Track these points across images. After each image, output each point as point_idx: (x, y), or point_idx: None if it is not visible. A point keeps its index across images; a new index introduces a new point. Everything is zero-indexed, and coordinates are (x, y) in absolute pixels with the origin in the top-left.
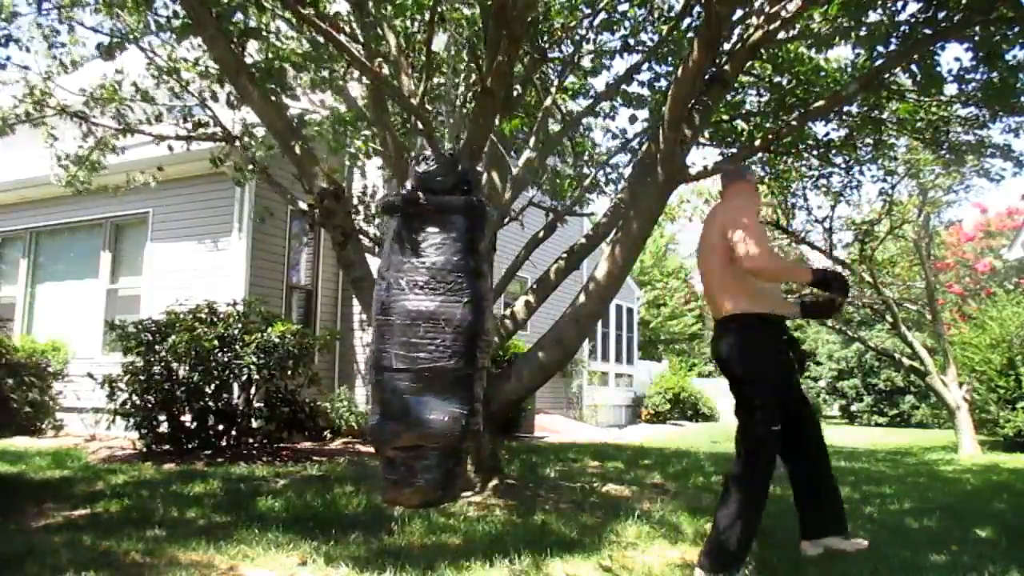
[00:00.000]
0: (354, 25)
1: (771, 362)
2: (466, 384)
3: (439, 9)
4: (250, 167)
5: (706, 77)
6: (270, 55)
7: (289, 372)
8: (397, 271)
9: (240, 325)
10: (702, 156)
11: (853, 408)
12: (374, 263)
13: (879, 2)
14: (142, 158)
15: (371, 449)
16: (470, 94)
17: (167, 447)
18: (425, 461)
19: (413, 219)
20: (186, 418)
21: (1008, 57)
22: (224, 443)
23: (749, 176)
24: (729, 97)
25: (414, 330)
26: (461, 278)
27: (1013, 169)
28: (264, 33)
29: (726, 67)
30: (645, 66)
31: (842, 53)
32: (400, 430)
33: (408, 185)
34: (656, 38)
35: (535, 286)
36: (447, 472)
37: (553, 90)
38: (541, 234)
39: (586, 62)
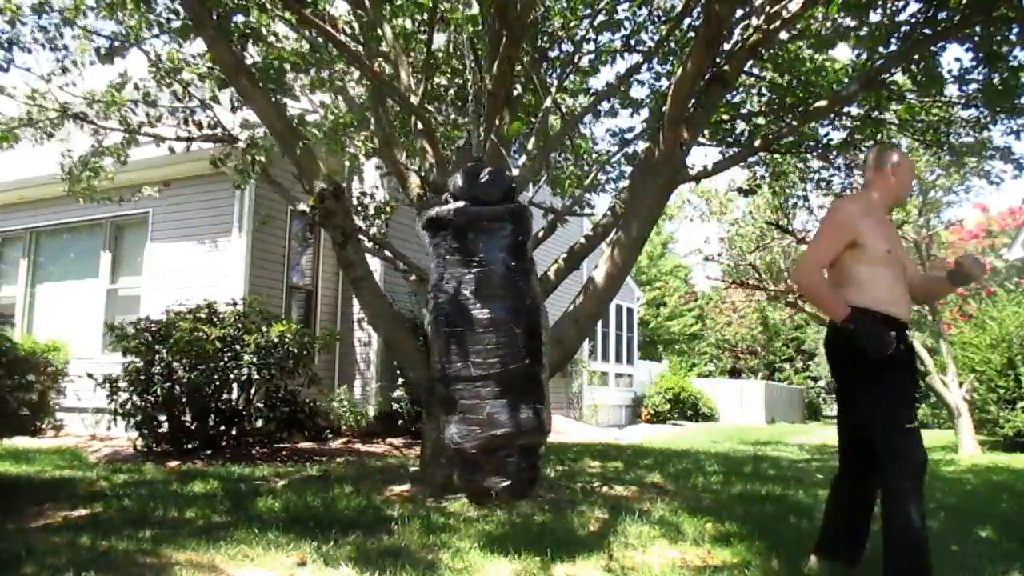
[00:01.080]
0: (354, 24)
1: None
2: (540, 381)
3: (439, 8)
4: (251, 168)
5: (706, 77)
6: (270, 56)
7: (289, 372)
8: (459, 282)
9: (240, 325)
10: (703, 154)
11: None
12: (374, 263)
13: (879, 2)
14: (142, 158)
15: (371, 449)
16: (471, 95)
17: (167, 447)
18: (513, 459)
19: (467, 230)
20: (186, 418)
21: (1009, 57)
22: (224, 443)
23: (883, 164)
24: (729, 97)
25: (488, 337)
26: (520, 281)
27: (1014, 172)
28: (264, 34)
29: (726, 67)
30: (645, 66)
31: (842, 53)
32: (487, 433)
33: (453, 198)
34: (656, 38)
35: None
36: (532, 466)
37: (553, 90)
38: (541, 234)
39: (585, 62)
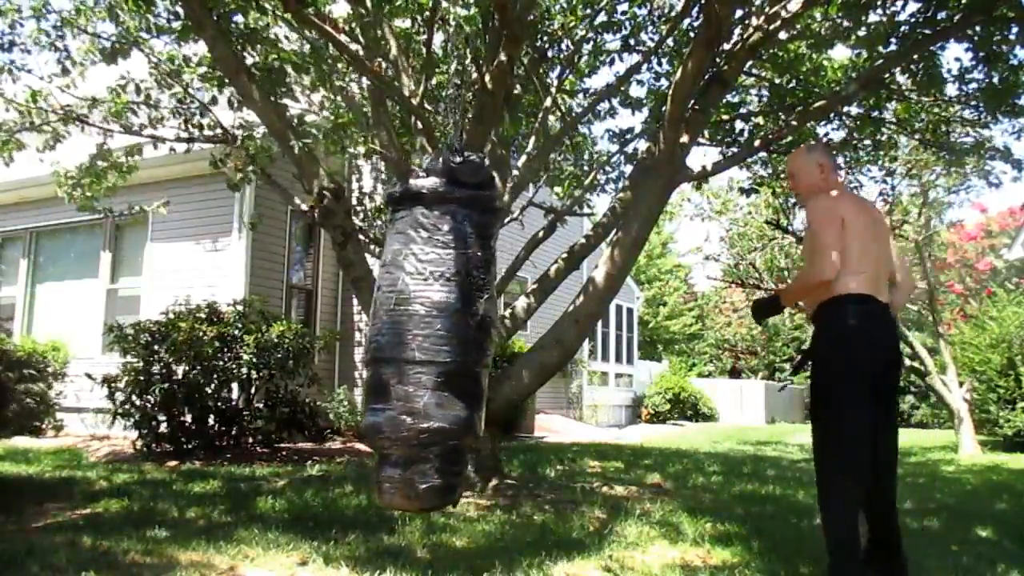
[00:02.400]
0: (353, 25)
1: None
2: (480, 381)
3: (439, 9)
4: (250, 168)
5: (706, 77)
6: (270, 56)
7: (289, 372)
8: (420, 260)
9: (240, 325)
10: (703, 154)
11: None
12: (374, 263)
13: (879, 2)
14: (143, 158)
15: (371, 449)
16: (470, 94)
17: (167, 447)
18: (432, 462)
19: (435, 209)
20: (186, 418)
21: (1009, 57)
22: (224, 443)
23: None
24: (729, 97)
25: (439, 322)
26: (483, 272)
27: (1014, 173)
28: (264, 35)
29: (726, 67)
30: (645, 66)
31: (842, 53)
32: (414, 426)
33: (428, 174)
34: (656, 38)
35: (535, 286)
36: (456, 473)
37: (553, 90)
38: (541, 234)
39: (584, 62)
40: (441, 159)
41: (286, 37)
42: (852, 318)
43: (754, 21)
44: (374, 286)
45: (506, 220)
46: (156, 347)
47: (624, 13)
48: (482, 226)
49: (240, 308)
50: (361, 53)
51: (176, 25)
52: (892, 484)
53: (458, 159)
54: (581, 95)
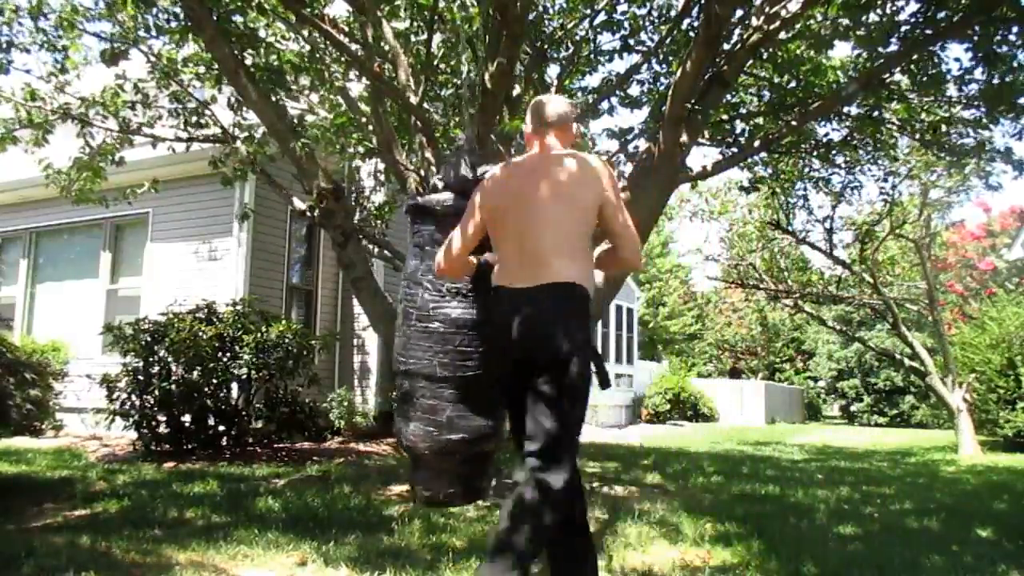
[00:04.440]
0: (353, 25)
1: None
2: None
3: (438, 8)
4: (250, 167)
5: (706, 77)
6: (269, 56)
7: (289, 372)
8: (437, 277)
9: (239, 325)
10: (702, 155)
11: (853, 408)
12: (374, 263)
13: (879, 2)
14: (142, 159)
15: (371, 449)
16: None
17: (166, 447)
18: (467, 464)
19: (449, 223)
20: (185, 418)
21: (1008, 57)
22: (223, 443)
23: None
24: (729, 97)
25: (459, 338)
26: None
27: (1014, 173)
28: (263, 35)
29: (726, 67)
30: (644, 66)
31: (842, 53)
32: (439, 437)
33: (445, 187)
34: (656, 38)
35: None
36: (480, 476)
37: (553, 90)
38: None
39: (583, 63)
40: (453, 173)
41: (284, 37)
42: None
43: (754, 21)
44: (375, 287)
45: None
46: (155, 347)
47: (624, 13)
48: None
49: (239, 308)
50: (360, 53)
51: (174, 26)
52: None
53: (470, 173)
54: (580, 93)
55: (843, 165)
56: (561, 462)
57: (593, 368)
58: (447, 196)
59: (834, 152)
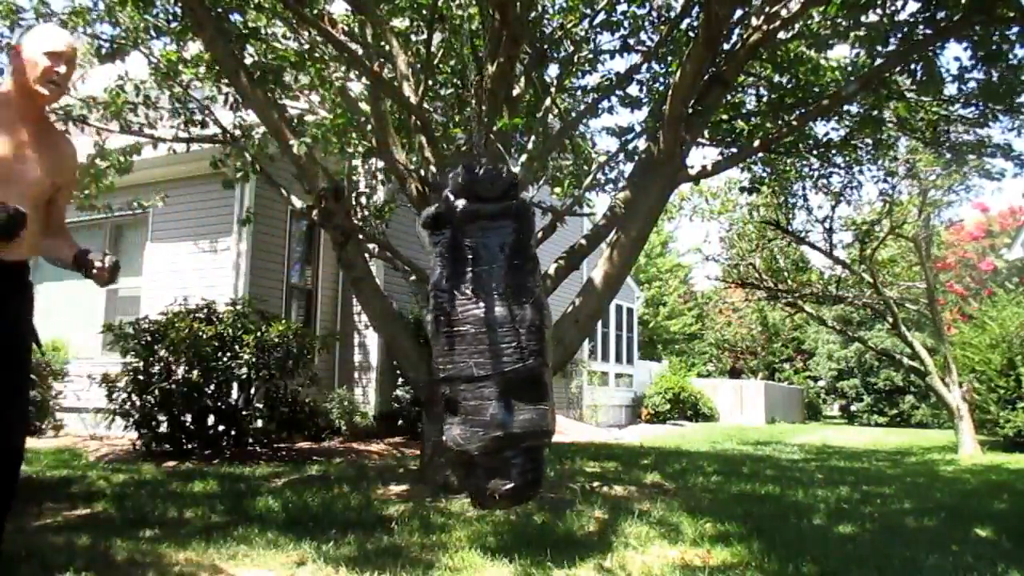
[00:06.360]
0: (352, 25)
1: None
2: (543, 381)
3: (438, 8)
4: (250, 167)
5: (706, 77)
6: (269, 56)
7: (289, 372)
8: (459, 280)
9: (239, 325)
10: (702, 155)
11: (853, 408)
12: (374, 264)
13: (879, 2)
14: (142, 159)
15: (371, 449)
16: (471, 89)
17: (166, 447)
18: (517, 461)
19: (467, 228)
20: (185, 418)
21: (1008, 57)
22: (223, 443)
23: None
24: (729, 97)
25: (490, 336)
26: (521, 279)
27: (1014, 169)
28: (263, 34)
29: (726, 67)
30: (644, 66)
31: (842, 53)
32: (487, 436)
33: (452, 195)
34: (656, 38)
35: None
36: (536, 468)
37: (553, 90)
38: (541, 234)
39: (584, 63)
40: (460, 179)
41: (284, 36)
42: None
43: (754, 21)
44: (375, 287)
45: None
46: (156, 347)
47: (624, 13)
48: (516, 233)
49: (239, 308)
50: (360, 53)
51: (175, 26)
52: None
53: (480, 176)
54: (580, 92)
55: (843, 165)
56: None
57: None
58: (460, 202)
59: (834, 152)
